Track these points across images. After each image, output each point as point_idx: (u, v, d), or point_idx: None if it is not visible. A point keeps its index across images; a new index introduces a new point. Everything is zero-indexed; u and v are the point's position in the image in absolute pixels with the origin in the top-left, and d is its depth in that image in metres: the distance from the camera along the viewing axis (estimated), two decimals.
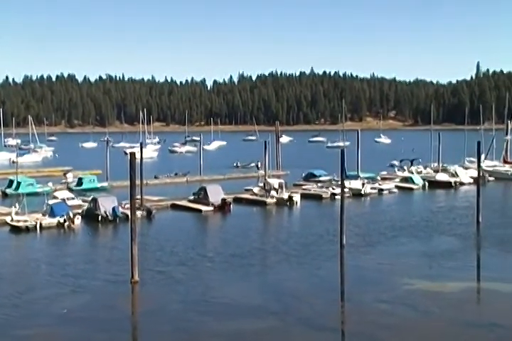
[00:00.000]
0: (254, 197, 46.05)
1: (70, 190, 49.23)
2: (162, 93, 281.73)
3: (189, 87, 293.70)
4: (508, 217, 39.48)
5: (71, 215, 35.77)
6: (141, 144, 50.36)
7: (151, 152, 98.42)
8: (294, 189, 49.33)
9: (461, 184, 55.17)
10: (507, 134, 68.89)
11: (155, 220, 38.56)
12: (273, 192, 45.32)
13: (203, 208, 41.60)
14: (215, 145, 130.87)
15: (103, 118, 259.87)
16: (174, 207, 43.30)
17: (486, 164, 62.55)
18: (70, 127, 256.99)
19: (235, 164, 76.80)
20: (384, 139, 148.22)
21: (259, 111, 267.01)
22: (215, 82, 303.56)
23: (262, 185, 47.58)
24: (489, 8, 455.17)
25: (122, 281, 23.87)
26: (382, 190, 50.63)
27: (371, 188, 49.84)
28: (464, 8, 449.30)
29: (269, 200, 44.65)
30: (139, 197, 37.89)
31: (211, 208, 41.65)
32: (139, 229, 26.75)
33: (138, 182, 33.13)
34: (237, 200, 45.28)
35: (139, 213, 35.02)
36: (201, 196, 43.13)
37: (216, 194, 42.81)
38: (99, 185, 53.91)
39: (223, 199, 42.21)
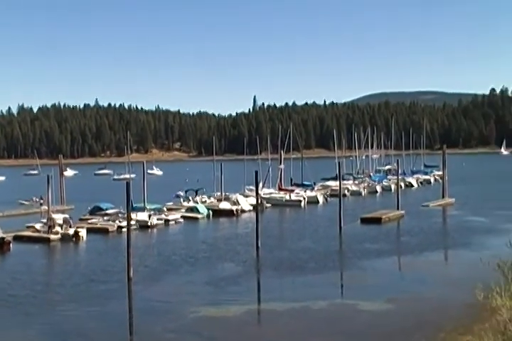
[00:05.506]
0: (36, 234, 44.02)
1: None
2: None
3: None
4: (284, 240, 42.62)
5: None
6: None
7: None
8: (80, 223, 48.14)
9: (243, 211, 58.14)
10: (281, 163, 74.31)
11: None
12: (57, 228, 43.84)
13: None
14: None
15: None
16: None
17: (264, 192, 66.65)
18: None
19: (36, 199, 70.76)
20: (156, 171, 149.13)
21: (41, 143, 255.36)
22: None
23: (44, 221, 45.78)
24: (264, 46, 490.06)
25: None
26: (168, 220, 51.48)
27: (158, 219, 50.46)
28: (243, 45, 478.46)
29: (53, 237, 43.02)
30: None
31: None
32: None
33: None
34: (18, 238, 42.87)
35: None
36: None
37: None
38: None
39: (2, 238, 39.79)
